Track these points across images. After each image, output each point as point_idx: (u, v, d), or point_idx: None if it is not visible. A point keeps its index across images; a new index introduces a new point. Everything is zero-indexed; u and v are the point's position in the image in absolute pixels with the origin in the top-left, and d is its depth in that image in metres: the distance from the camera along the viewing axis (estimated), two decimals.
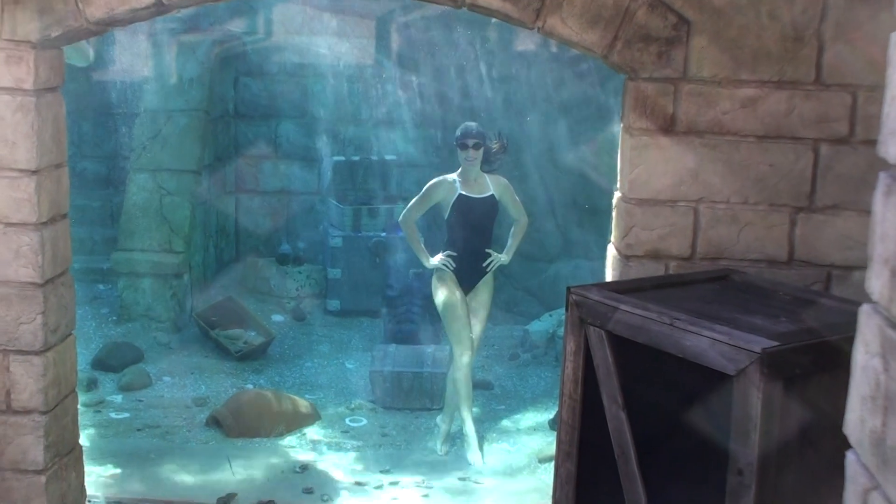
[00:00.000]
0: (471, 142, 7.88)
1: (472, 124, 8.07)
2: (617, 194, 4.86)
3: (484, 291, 8.09)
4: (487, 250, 7.99)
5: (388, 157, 11.83)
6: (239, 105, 12.17)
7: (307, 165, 12.19)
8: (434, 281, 8.09)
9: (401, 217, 8.19)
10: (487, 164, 8.06)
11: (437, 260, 7.96)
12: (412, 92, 11.69)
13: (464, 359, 7.93)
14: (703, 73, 4.50)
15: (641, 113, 4.55)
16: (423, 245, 8.05)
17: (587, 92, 11.00)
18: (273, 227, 12.19)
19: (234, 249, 12.25)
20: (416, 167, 11.79)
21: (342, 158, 11.80)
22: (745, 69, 4.48)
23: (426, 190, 8.05)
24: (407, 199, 11.41)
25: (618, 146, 4.90)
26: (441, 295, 8.01)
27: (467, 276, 8.01)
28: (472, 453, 7.80)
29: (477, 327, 8.07)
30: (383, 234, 11.20)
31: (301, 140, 12.16)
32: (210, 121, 11.04)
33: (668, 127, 4.54)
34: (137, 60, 11.23)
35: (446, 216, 7.99)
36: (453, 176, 8.03)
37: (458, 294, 7.97)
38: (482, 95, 11.32)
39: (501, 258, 8.03)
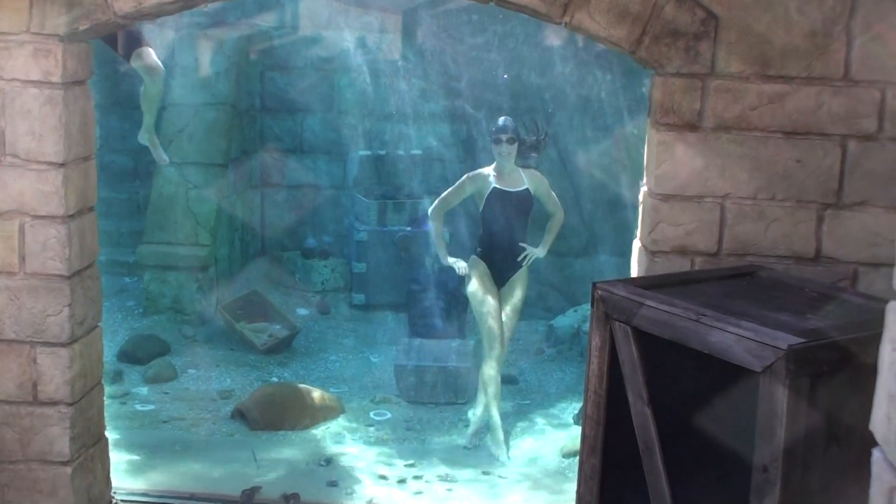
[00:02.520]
0: (505, 136, 7.93)
1: (507, 119, 8.12)
2: (643, 189, 4.85)
3: (518, 286, 8.10)
4: (522, 244, 8.01)
5: (413, 152, 11.82)
6: (265, 99, 12.19)
7: (333, 160, 12.20)
8: (469, 271, 8.13)
9: (432, 206, 8.24)
10: (522, 159, 8.11)
11: (452, 262, 8.04)
12: (438, 86, 11.68)
13: (493, 353, 7.95)
14: (731, 68, 4.48)
15: (669, 108, 4.54)
16: (445, 241, 8.14)
17: (615, 85, 10.98)
18: (298, 221, 12.20)
19: (259, 243, 12.28)
20: (442, 162, 11.79)
21: (368, 153, 11.80)
22: (774, 65, 4.46)
23: (461, 182, 8.13)
24: (432, 194, 11.44)
25: (645, 141, 4.89)
26: (474, 287, 8.05)
27: (501, 269, 8.06)
28: (497, 447, 7.81)
29: (509, 322, 8.09)
30: (408, 229, 11.20)
31: (327, 134, 12.17)
32: (236, 115, 11.07)
33: (696, 122, 4.52)
34: (164, 54, 11.28)
35: (480, 209, 8.04)
36: (488, 170, 8.08)
37: (490, 288, 8.01)
38: (510, 89, 11.30)
39: (536, 252, 8.06)
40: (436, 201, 8.24)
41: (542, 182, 8.15)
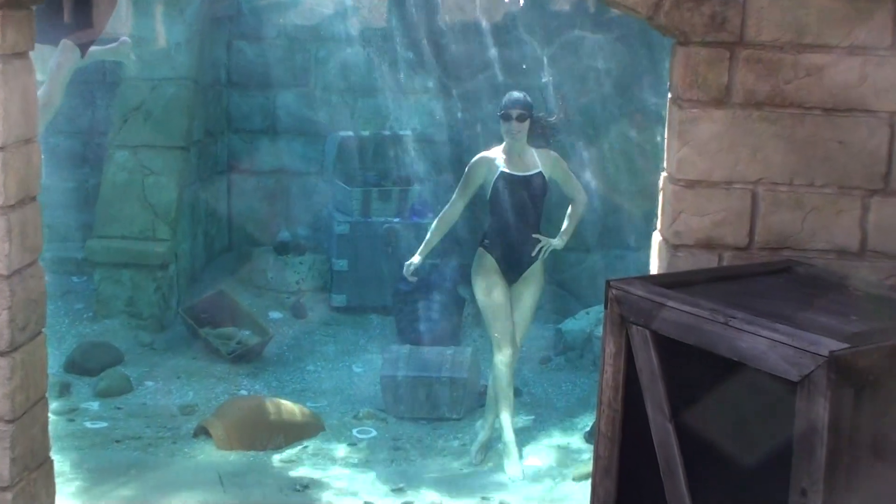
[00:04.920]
0: (515, 112, 7.91)
1: (518, 93, 8.08)
2: (663, 175, 4.85)
3: (532, 283, 8.11)
4: (535, 235, 8.00)
5: (402, 133, 11.82)
6: (232, 73, 12.18)
7: (310, 141, 12.20)
8: (474, 268, 8.13)
9: (443, 212, 8.19)
10: (536, 139, 8.07)
11: (412, 264, 8.20)
12: (431, 58, 11.67)
13: (503, 358, 7.98)
14: (763, 36, 4.48)
15: (692, 82, 4.54)
16: (432, 247, 8.16)
17: (633, 58, 10.98)
18: (271, 212, 12.20)
19: (226, 237, 12.27)
20: (435, 143, 11.79)
21: (350, 134, 11.81)
22: (811, 32, 4.46)
23: (466, 173, 8.11)
24: (424, 181, 11.44)
25: (665, 120, 4.89)
26: (481, 284, 8.05)
27: (512, 264, 8.05)
28: (511, 465, 7.83)
29: (521, 323, 8.10)
30: (396, 220, 11.21)
31: (303, 112, 12.17)
32: (199, 91, 11.06)
33: (723, 98, 4.52)
34: (117, 23, 11.25)
35: (487, 196, 8.03)
36: (496, 151, 8.06)
37: (500, 284, 8.01)
38: (512, 61, 11.29)
39: (553, 243, 8.04)
40: (443, 211, 8.19)
41: (559, 163, 8.13)
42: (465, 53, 11.51)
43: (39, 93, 7.74)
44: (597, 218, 11.11)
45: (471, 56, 11.48)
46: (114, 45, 9.04)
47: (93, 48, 8.46)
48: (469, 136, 11.30)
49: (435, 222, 8.30)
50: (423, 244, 8.26)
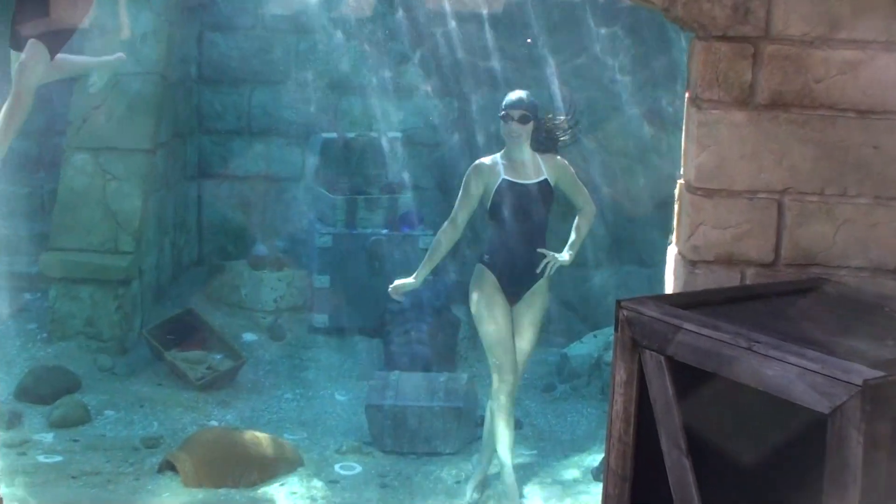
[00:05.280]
0: (516, 113, 7.92)
1: (521, 93, 8.08)
2: (680, 183, 4.86)
3: (535, 302, 8.10)
4: (540, 250, 7.99)
5: (391, 135, 11.83)
6: (204, 67, 12.19)
7: (289, 144, 12.22)
8: (472, 285, 8.12)
9: (442, 229, 8.15)
10: (539, 143, 8.06)
11: (400, 284, 8.12)
12: (424, 52, 11.69)
13: (503, 386, 7.97)
14: (791, 30, 4.49)
15: (712, 81, 4.55)
16: (431, 270, 8.11)
17: (647, 54, 10.99)
18: (245, 222, 12.21)
19: (196, 250, 12.27)
20: (428, 147, 11.81)
21: (334, 135, 11.81)
22: (844, 25, 4.47)
23: (464, 182, 8.07)
24: (416, 189, 11.45)
25: (682, 122, 4.90)
26: (479, 304, 8.04)
27: (514, 281, 8.04)
28: None
29: (524, 347, 8.09)
30: (384, 232, 11.21)
31: (281, 112, 12.19)
32: (167, 87, 11.06)
33: (746, 98, 4.53)
34: (73, 10, 11.25)
35: (488, 206, 8.01)
36: (495, 157, 8.06)
37: (501, 304, 8.01)
38: (515, 55, 11.30)
39: (560, 258, 8.02)
40: (442, 227, 8.15)
41: (566, 170, 8.12)
42: (463, 47, 11.52)
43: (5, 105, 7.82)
44: (606, 230, 11.12)
45: (469, 50, 11.49)
46: (110, 58, 9.07)
47: (87, 59, 8.52)
48: (466, 139, 11.31)
49: (434, 241, 8.23)
50: (420, 266, 8.16)
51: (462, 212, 8.06)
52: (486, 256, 8.11)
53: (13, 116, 8.07)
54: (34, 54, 8.01)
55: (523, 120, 7.90)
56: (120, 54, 9.12)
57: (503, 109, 7.98)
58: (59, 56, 8.40)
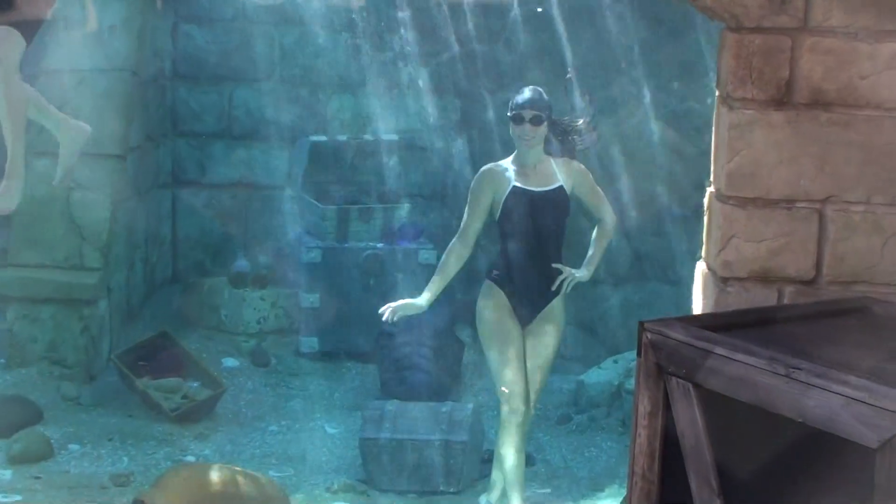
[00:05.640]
0: (528, 114, 7.88)
1: (533, 91, 8.05)
2: (710, 191, 4.85)
3: (550, 324, 8.06)
4: (555, 265, 7.96)
5: (387, 137, 11.84)
6: (179, 63, 12.21)
7: (273, 148, 12.23)
8: (479, 304, 8.10)
9: (451, 245, 8.11)
10: (554, 147, 8.04)
11: (404, 305, 7.99)
12: (424, 45, 11.70)
13: (514, 417, 7.94)
14: (833, 21, 4.49)
15: (745, 77, 4.55)
16: (440, 291, 8.01)
17: (671, 48, 11.00)
18: (225, 235, 12.22)
19: (170, 266, 12.28)
20: (428, 151, 11.81)
21: (323, 138, 11.83)
22: (893, 15, 4.47)
23: (472, 190, 8.04)
24: (415, 197, 11.45)
25: (712, 124, 4.90)
26: (487, 325, 8.03)
27: (526, 300, 8.01)
28: None
29: (537, 374, 8.06)
30: (379, 246, 11.22)
31: (265, 112, 12.20)
32: (139, 85, 11.07)
33: (784, 97, 4.53)
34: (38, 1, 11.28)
35: (497, 217, 7.98)
36: (506, 162, 8.04)
37: (511, 325, 7.98)
38: (526, 51, 11.31)
39: (577, 274, 7.99)
40: (452, 243, 8.10)
41: (584, 177, 8.08)
42: (466, 41, 11.53)
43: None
44: (627, 243, 11.13)
45: (472, 44, 11.50)
46: (77, 123, 8.93)
47: (56, 111, 8.48)
48: (471, 143, 11.32)
49: (443, 258, 8.17)
50: (427, 286, 8.07)
51: (473, 224, 7.99)
52: (495, 272, 8.10)
53: (15, 117, 8.09)
54: (8, 45, 7.97)
55: (536, 121, 7.87)
56: (83, 125, 8.95)
57: (513, 109, 7.94)
58: (34, 92, 8.41)
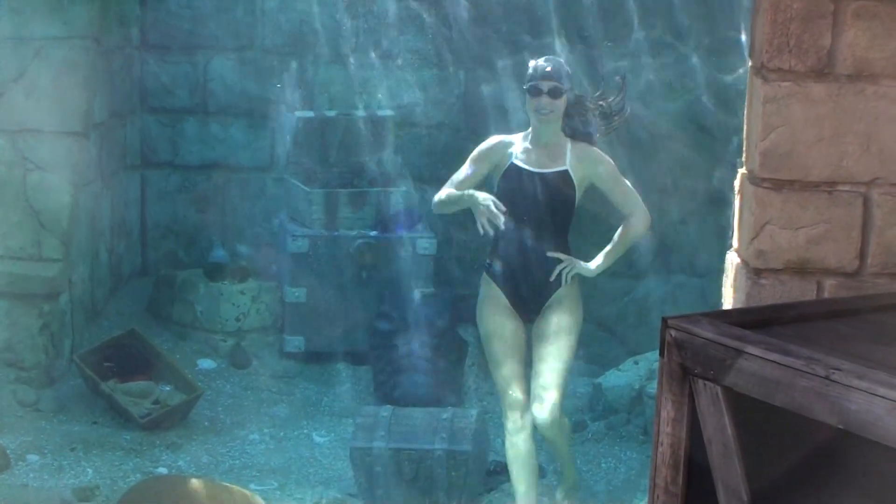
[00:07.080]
0: (546, 85, 7.85)
1: (553, 60, 8.05)
2: (741, 172, 4.87)
3: (559, 317, 8.02)
4: (551, 254, 7.93)
5: (381, 113, 11.84)
6: (148, 30, 12.20)
7: (254, 125, 12.23)
8: (479, 301, 8.11)
9: (435, 197, 8.15)
10: (574, 128, 8.01)
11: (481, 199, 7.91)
12: (422, 10, 11.70)
13: (514, 423, 7.96)
14: None
15: (782, 46, 4.56)
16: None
17: (697, 13, 11.00)
18: (200, 222, 12.22)
19: (138, 256, 12.28)
20: (426, 128, 11.82)
21: (310, 114, 11.82)
22: None
23: (471, 156, 8.04)
24: (415, 180, 11.45)
25: (744, 98, 4.91)
26: (486, 323, 8.04)
27: (526, 295, 8.02)
28: None
29: (547, 375, 8.00)
30: (373, 234, 11.22)
31: (244, 85, 12.20)
32: (102, 55, 11.06)
33: (825, 68, 4.54)
34: None
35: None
36: (515, 137, 8.02)
37: (510, 321, 7.98)
38: (540, 16, 11.30)
39: (580, 266, 7.96)
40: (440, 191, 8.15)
41: (603, 165, 8.02)
42: (473, 3, 11.52)
43: None
44: (650, 232, 11.13)
45: (480, 7, 11.50)
46: None
47: None
48: (474, 119, 11.32)
49: (435, 199, 8.22)
50: (456, 200, 8.14)
51: (460, 185, 8.07)
52: (489, 263, 8.09)
53: None
54: None
55: (555, 93, 7.82)
56: None
57: (530, 80, 7.90)
58: None
